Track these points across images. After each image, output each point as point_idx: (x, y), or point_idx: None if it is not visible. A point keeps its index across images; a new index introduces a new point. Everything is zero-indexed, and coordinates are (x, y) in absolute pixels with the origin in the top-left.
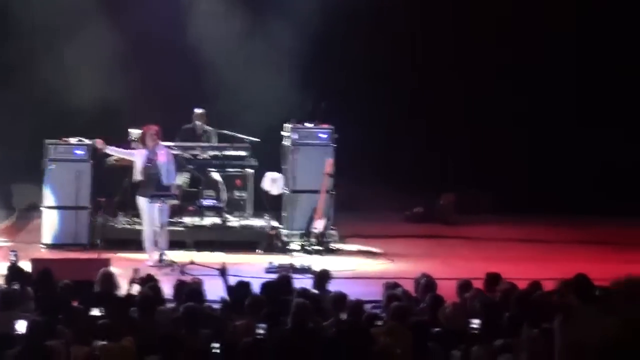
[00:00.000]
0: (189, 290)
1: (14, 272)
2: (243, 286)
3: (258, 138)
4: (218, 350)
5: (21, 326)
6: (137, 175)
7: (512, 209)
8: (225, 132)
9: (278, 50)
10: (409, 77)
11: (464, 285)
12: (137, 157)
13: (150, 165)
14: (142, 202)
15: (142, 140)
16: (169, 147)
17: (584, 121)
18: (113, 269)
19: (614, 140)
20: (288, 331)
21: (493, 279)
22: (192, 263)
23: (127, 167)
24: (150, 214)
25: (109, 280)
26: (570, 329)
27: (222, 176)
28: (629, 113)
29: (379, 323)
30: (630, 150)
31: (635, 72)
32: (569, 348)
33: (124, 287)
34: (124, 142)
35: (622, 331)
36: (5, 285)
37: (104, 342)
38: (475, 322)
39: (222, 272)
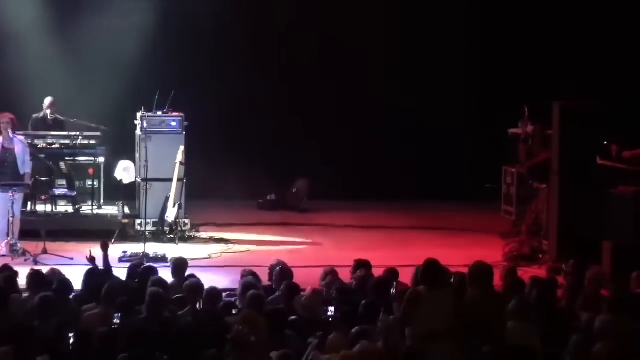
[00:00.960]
0: (59, 281)
1: None
2: (96, 275)
3: (112, 127)
4: (73, 340)
5: None
6: None
7: (359, 195)
8: (76, 120)
9: (130, 38)
10: (261, 67)
11: (329, 273)
12: None
13: (7, 154)
14: None
15: None
16: (22, 135)
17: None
18: None
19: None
20: (143, 320)
21: (362, 266)
22: (45, 252)
23: None
24: (3, 203)
25: None
26: (420, 316)
27: (73, 165)
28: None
29: (235, 311)
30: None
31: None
32: (420, 335)
33: None
34: None
35: (467, 315)
36: None
37: None
38: (332, 310)
39: (91, 260)
